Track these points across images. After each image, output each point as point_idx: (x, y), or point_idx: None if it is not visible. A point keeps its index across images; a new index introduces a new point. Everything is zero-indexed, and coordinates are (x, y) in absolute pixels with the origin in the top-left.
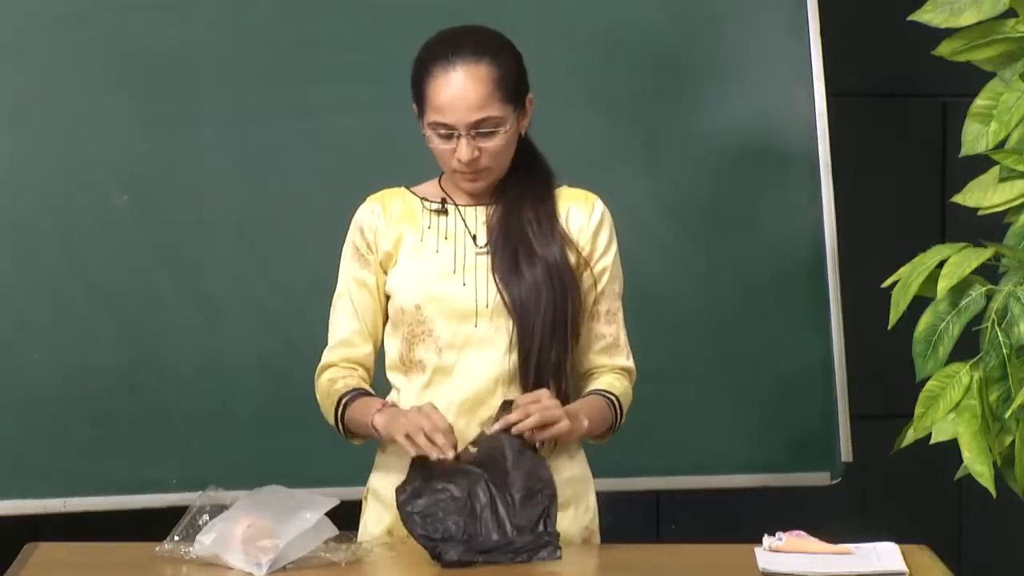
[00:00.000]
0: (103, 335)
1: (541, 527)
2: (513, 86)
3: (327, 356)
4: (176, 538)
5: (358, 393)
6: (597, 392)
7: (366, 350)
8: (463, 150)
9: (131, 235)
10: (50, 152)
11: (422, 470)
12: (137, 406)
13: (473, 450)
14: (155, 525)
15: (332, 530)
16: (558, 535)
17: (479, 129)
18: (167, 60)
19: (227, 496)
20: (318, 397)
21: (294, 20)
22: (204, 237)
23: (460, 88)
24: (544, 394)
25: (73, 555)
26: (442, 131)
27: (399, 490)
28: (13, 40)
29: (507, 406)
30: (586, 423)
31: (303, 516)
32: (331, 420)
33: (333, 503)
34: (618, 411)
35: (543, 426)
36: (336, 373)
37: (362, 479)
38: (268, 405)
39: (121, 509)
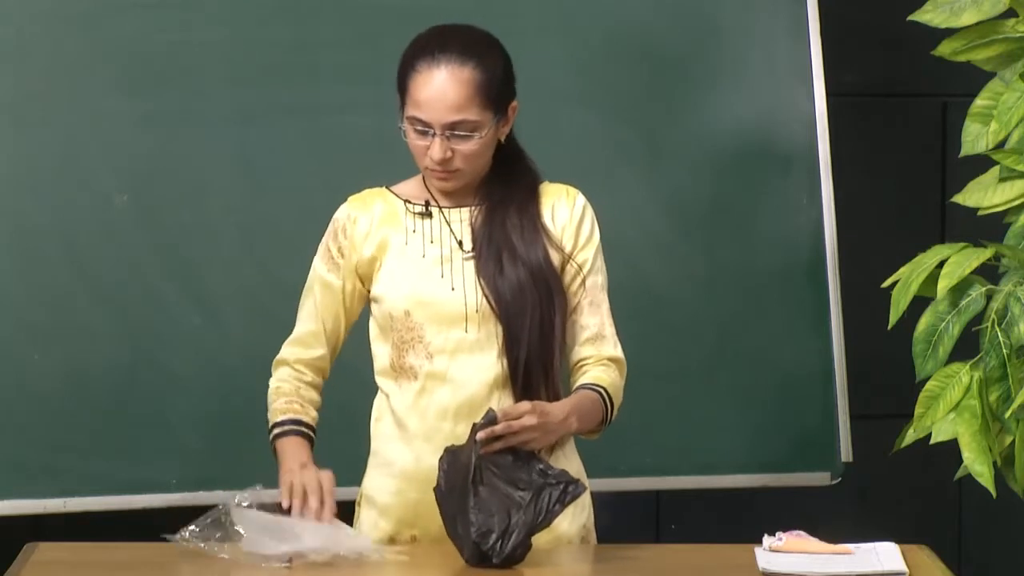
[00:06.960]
0: (103, 335)
1: (537, 476)
2: (496, 92)
3: (283, 351)
4: (196, 529)
5: (295, 430)
6: (586, 387)
7: (319, 352)
8: (436, 149)
9: (131, 235)
10: (50, 152)
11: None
12: (137, 406)
13: (468, 451)
14: (155, 525)
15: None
16: (564, 472)
17: (455, 131)
18: (167, 60)
19: (265, 494)
20: (269, 391)
21: (294, 20)
22: (204, 237)
23: (441, 87)
24: (522, 410)
25: (73, 555)
26: (419, 127)
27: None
28: (13, 40)
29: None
30: (575, 424)
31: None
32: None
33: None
34: (608, 404)
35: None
36: (283, 377)
37: (359, 480)
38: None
39: (121, 509)
